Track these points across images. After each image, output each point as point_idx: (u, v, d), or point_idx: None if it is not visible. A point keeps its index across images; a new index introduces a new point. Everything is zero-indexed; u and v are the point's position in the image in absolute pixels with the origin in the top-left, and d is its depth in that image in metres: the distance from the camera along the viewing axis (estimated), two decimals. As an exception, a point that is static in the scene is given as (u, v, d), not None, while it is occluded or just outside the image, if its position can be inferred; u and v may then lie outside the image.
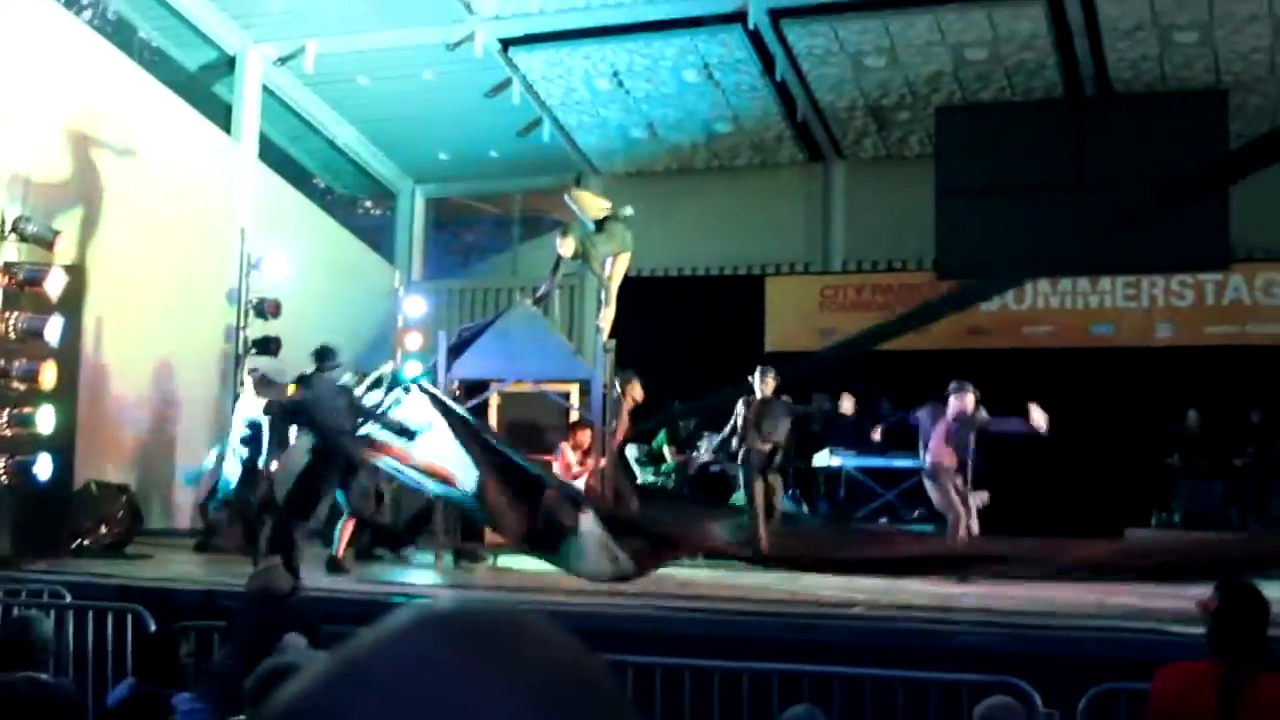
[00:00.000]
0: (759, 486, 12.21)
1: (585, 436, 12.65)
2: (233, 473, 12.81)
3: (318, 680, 0.83)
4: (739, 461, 12.56)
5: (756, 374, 12.52)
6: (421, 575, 11.81)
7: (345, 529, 11.44)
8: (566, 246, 12.31)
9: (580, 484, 12.19)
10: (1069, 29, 15.37)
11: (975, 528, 11.54)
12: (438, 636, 0.84)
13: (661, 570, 12.40)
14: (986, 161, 16.46)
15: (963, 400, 11.66)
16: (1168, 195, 13.06)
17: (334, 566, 11.02)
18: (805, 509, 15.12)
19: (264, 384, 13.30)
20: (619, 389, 12.65)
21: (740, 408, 12.43)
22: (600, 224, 12.45)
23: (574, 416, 12.92)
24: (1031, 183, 16.19)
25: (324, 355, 11.25)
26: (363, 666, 0.82)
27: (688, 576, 12.52)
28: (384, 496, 13.04)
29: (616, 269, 12.43)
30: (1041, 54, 15.84)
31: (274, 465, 11.79)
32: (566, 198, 13.10)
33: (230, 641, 6.34)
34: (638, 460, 15.06)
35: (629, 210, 12.65)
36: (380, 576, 11.40)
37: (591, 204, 12.74)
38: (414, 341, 18.32)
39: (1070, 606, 8.98)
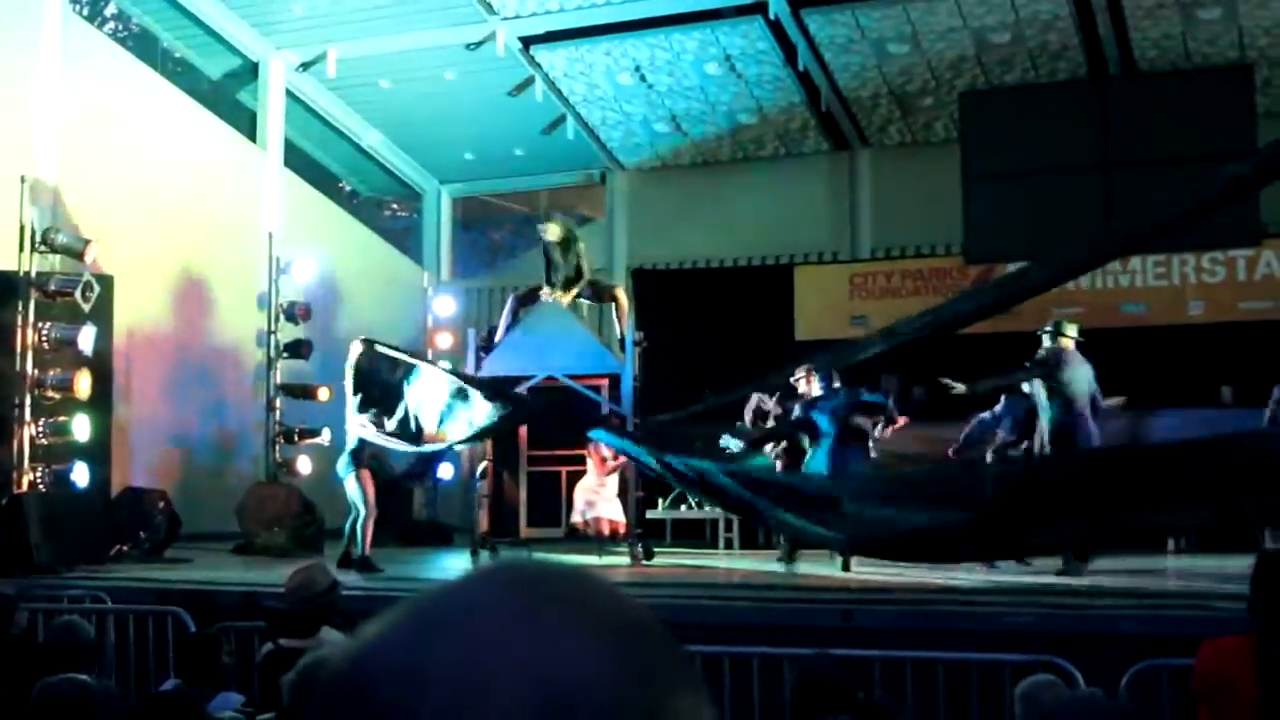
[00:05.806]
0: None
1: None
2: None
3: (389, 628, 0.83)
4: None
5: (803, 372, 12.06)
6: (459, 571, 11.84)
7: (366, 528, 11.51)
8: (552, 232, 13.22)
9: (615, 477, 12.24)
10: (1091, 9, 15.28)
11: None
12: (504, 584, 0.85)
13: (700, 560, 12.47)
14: (1012, 145, 16.37)
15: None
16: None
17: (365, 565, 11.13)
18: None
19: None
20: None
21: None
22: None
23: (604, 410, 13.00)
24: (1058, 164, 16.10)
25: None
26: (433, 613, 0.83)
27: (727, 565, 12.54)
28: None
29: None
30: (1064, 35, 15.75)
31: None
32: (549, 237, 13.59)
33: (269, 639, 6.35)
34: None
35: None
36: (418, 574, 11.46)
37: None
38: (444, 341, 18.42)
39: (1110, 585, 8.96)
